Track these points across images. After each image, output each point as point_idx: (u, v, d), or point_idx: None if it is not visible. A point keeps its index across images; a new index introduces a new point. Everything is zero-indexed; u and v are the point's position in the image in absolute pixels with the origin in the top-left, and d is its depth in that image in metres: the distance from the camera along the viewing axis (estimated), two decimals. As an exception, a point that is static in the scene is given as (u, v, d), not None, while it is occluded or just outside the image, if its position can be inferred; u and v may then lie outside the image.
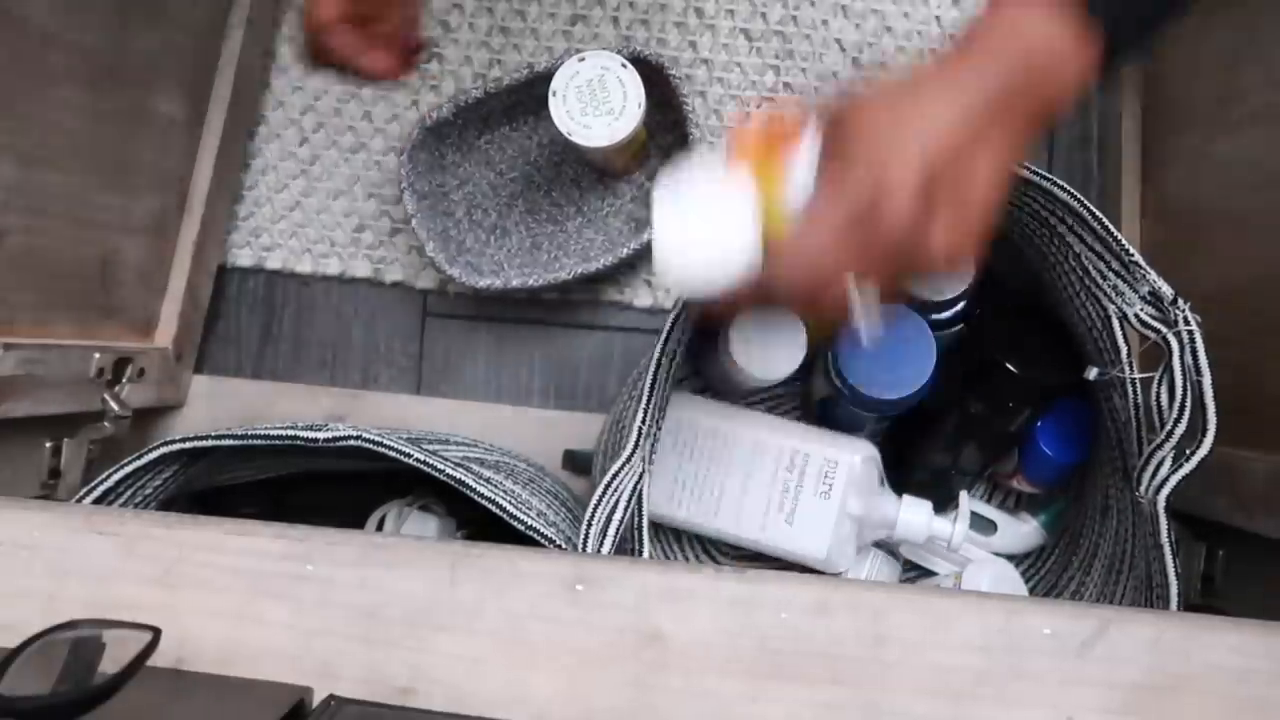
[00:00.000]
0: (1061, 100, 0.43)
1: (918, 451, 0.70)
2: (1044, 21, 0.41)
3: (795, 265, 0.43)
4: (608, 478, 0.49)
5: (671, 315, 0.54)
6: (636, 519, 0.51)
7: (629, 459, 0.51)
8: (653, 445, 0.56)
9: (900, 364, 0.62)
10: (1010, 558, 0.71)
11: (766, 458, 0.66)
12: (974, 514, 0.71)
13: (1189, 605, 0.59)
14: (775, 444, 0.67)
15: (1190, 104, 0.69)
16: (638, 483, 0.50)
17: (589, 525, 0.47)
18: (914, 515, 0.65)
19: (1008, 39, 0.42)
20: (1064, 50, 0.41)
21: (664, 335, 0.54)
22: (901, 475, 0.69)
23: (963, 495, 0.66)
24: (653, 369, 0.53)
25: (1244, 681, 0.33)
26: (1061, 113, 0.43)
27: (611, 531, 0.47)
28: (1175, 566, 0.50)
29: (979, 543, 0.70)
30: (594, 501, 0.48)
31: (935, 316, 0.66)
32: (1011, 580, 0.68)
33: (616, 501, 0.48)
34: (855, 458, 0.66)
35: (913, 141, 0.40)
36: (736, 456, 0.67)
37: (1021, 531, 0.71)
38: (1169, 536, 0.50)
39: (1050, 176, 0.52)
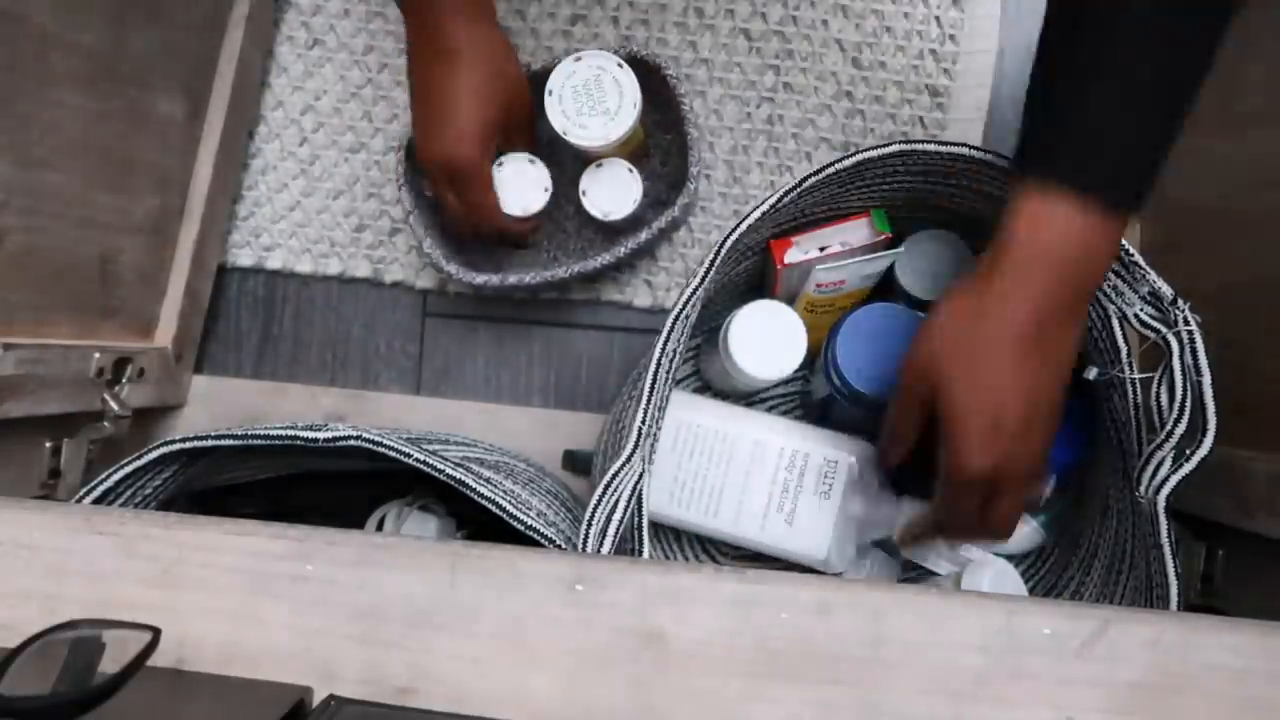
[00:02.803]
0: (1093, 280, 0.48)
1: (917, 451, 0.70)
2: (1070, 222, 0.46)
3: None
4: (607, 478, 0.49)
5: (671, 316, 0.54)
6: (636, 519, 0.51)
7: (629, 459, 0.51)
8: (652, 445, 0.56)
9: (895, 359, 0.62)
10: (1010, 558, 0.71)
11: (766, 458, 0.66)
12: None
13: (1189, 605, 0.59)
14: (775, 444, 0.67)
15: (1190, 104, 0.69)
16: (637, 482, 0.50)
17: (589, 525, 0.47)
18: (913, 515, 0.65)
19: (1034, 250, 0.47)
20: (1096, 244, 0.46)
21: (664, 336, 0.54)
22: (901, 475, 0.69)
23: None
24: (652, 369, 0.53)
25: (1242, 682, 0.33)
26: (1094, 288, 0.49)
27: (611, 531, 0.47)
28: (1175, 566, 0.50)
29: (981, 543, 0.70)
30: (594, 502, 0.48)
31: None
32: (1012, 579, 0.68)
33: (616, 501, 0.48)
34: (854, 458, 0.66)
35: (979, 398, 0.49)
36: (736, 456, 0.67)
37: (1021, 531, 0.71)
38: (1169, 536, 0.50)
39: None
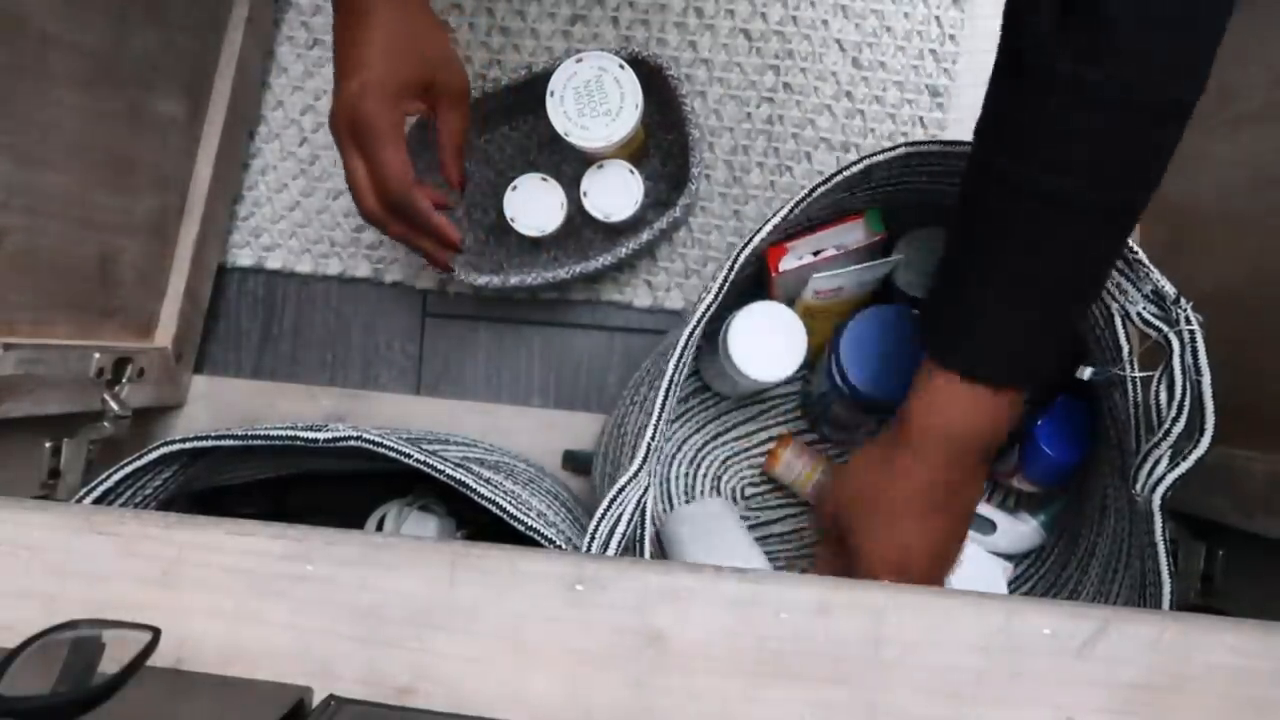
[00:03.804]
0: (991, 443, 0.52)
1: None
2: (960, 402, 0.50)
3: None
4: (614, 491, 0.49)
5: (685, 332, 0.54)
6: (639, 532, 0.51)
7: (635, 474, 0.50)
8: (658, 456, 0.56)
9: (900, 363, 0.62)
10: (1010, 557, 0.71)
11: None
12: (974, 513, 0.71)
13: (1189, 605, 0.59)
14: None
15: (1190, 104, 0.69)
16: (641, 497, 0.50)
17: (591, 540, 0.47)
18: None
19: (932, 422, 0.51)
20: (983, 420, 0.50)
21: (677, 353, 0.54)
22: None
23: None
24: (665, 385, 0.53)
25: (1243, 681, 0.33)
26: (994, 448, 0.52)
27: (614, 545, 0.47)
28: (1168, 564, 0.50)
29: (981, 543, 0.70)
30: (598, 515, 0.48)
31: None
32: (988, 565, 0.68)
33: (620, 515, 0.48)
34: None
35: (889, 551, 0.54)
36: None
37: (1021, 531, 0.71)
38: (1163, 534, 0.50)
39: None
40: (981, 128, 0.48)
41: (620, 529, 0.48)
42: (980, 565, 0.67)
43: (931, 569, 0.55)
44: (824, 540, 0.61)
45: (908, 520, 0.53)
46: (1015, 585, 0.72)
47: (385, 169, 0.59)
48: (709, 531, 0.70)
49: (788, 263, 0.65)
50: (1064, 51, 0.42)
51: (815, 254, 0.65)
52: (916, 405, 0.51)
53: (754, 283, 0.71)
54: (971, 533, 0.71)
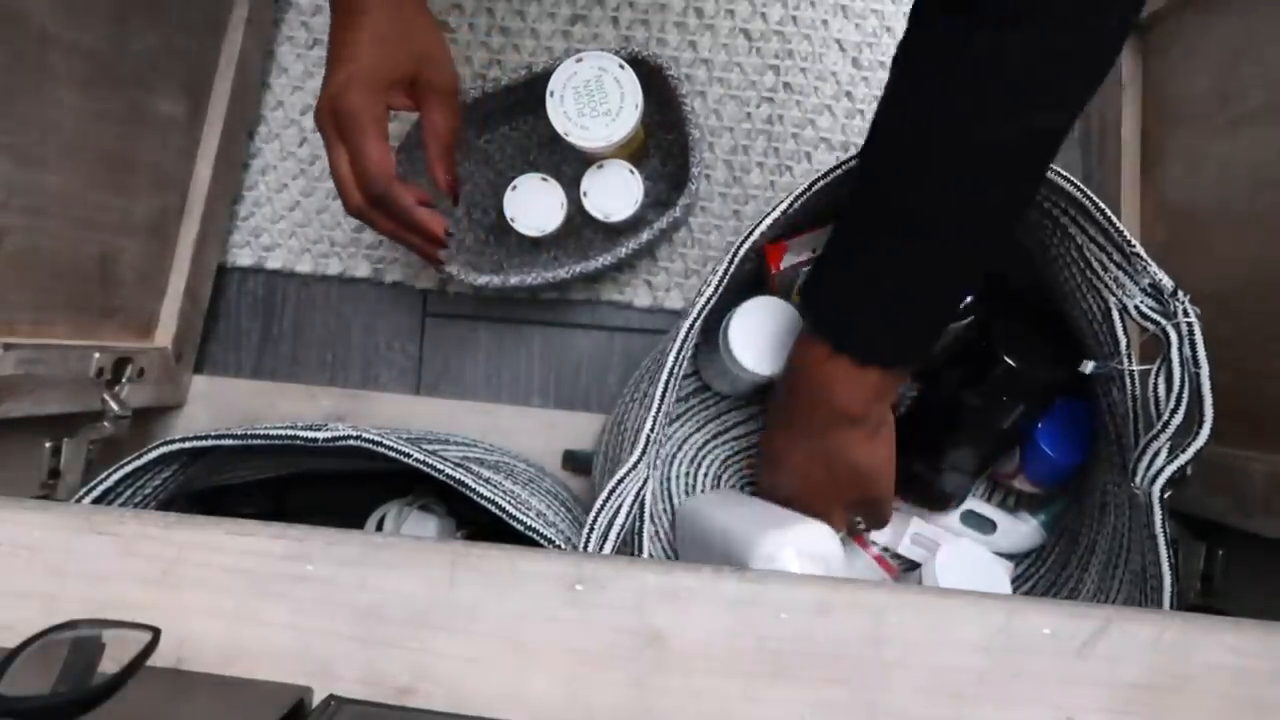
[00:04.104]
0: (853, 407, 0.55)
1: (914, 448, 0.71)
2: (821, 369, 0.54)
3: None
4: (612, 483, 0.49)
5: (684, 328, 0.54)
6: (637, 525, 0.51)
7: (634, 466, 0.51)
8: (657, 452, 0.56)
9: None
10: (1010, 557, 0.71)
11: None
12: (974, 513, 0.71)
13: (1189, 605, 0.59)
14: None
15: (1189, 104, 0.69)
16: (640, 489, 0.50)
17: (590, 530, 0.47)
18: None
19: (798, 379, 0.57)
20: (833, 379, 0.54)
21: (676, 347, 0.54)
22: (899, 473, 0.69)
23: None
24: (664, 378, 0.53)
25: (1243, 681, 0.33)
26: (859, 413, 0.55)
27: (613, 537, 0.47)
28: (1168, 557, 0.50)
29: (981, 542, 0.70)
30: (597, 506, 0.48)
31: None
32: (974, 558, 0.68)
33: (619, 507, 0.48)
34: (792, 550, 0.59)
35: (785, 483, 0.62)
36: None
37: (1021, 531, 0.71)
38: (1163, 527, 0.50)
39: (1054, 168, 0.52)
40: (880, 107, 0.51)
41: (619, 521, 0.48)
42: (984, 565, 0.67)
43: (802, 494, 0.60)
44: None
45: (780, 450, 0.61)
46: (1015, 585, 0.72)
47: (366, 161, 0.58)
48: (725, 500, 0.70)
49: (787, 260, 0.65)
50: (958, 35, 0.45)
51: (814, 251, 0.65)
52: (789, 356, 0.58)
53: (754, 280, 0.71)
54: (972, 532, 0.71)
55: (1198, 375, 0.48)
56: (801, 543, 0.55)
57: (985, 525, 0.71)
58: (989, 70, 0.44)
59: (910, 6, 0.48)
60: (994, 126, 0.45)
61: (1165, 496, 0.49)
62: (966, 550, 0.67)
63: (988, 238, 0.49)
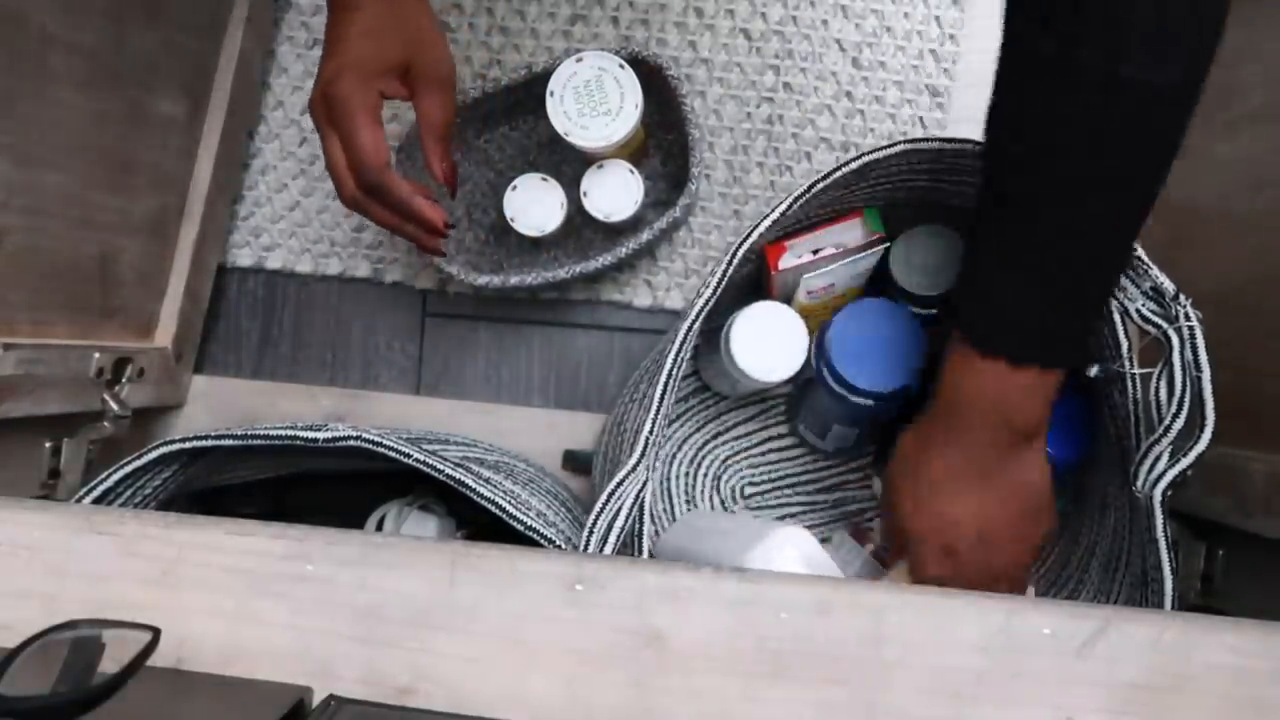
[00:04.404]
0: (1021, 420, 0.51)
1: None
2: (987, 377, 0.49)
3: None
4: (611, 485, 0.49)
5: (683, 328, 0.54)
6: (637, 527, 0.51)
7: (634, 468, 0.50)
8: (656, 453, 0.56)
9: (890, 355, 0.62)
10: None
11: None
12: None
13: (1189, 605, 0.59)
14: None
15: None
16: (640, 491, 0.50)
17: (590, 534, 0.47)
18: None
19: (958, 397, 0.51)
20: (1017, 394, 0.49)
21: (675, 348, 0.54)
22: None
23: None
24: (663, 379, 0.53)
25: (1243, 681, 0.33)
26: (1030, 427, 0.51)
27: (612, 539, 0.47)
28: (1170, 560, 0.50)
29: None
30: (596, 509, 0.48)
31: (924, 311, 0.66)
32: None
33: (619, 510, 0.48)
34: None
35: (928, 522, 0.54)
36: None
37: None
38: (1164, 530, 0.50)
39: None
40: (989, 113, 0.48)
41: (619, 523, 0.48)
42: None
43: (984, 543, 0.53)
44: (893, 552, 0.60)
45: (945, 494, 0.53)
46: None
47: (359, 149, 0.57)
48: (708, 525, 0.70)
49: (787, 261, 0.65)
50: (1049, 34, 0.42)
51: (814, 252, 0.65)
52: (947, 381, 0.51)
53: (753, 282, 0.71)
54: None
55: (1199, 379, 0.48)
56: (798, 541, 0.55)
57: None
58: (1121, 13, 0.41)
59: None
60: (1129, 70, 0.42)
61: (1166, 499, 0.49)
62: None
63: (1137, 201, 0.46)
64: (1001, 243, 0.49)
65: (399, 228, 0.62)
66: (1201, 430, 0.48)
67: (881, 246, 0.65)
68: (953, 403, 0.51)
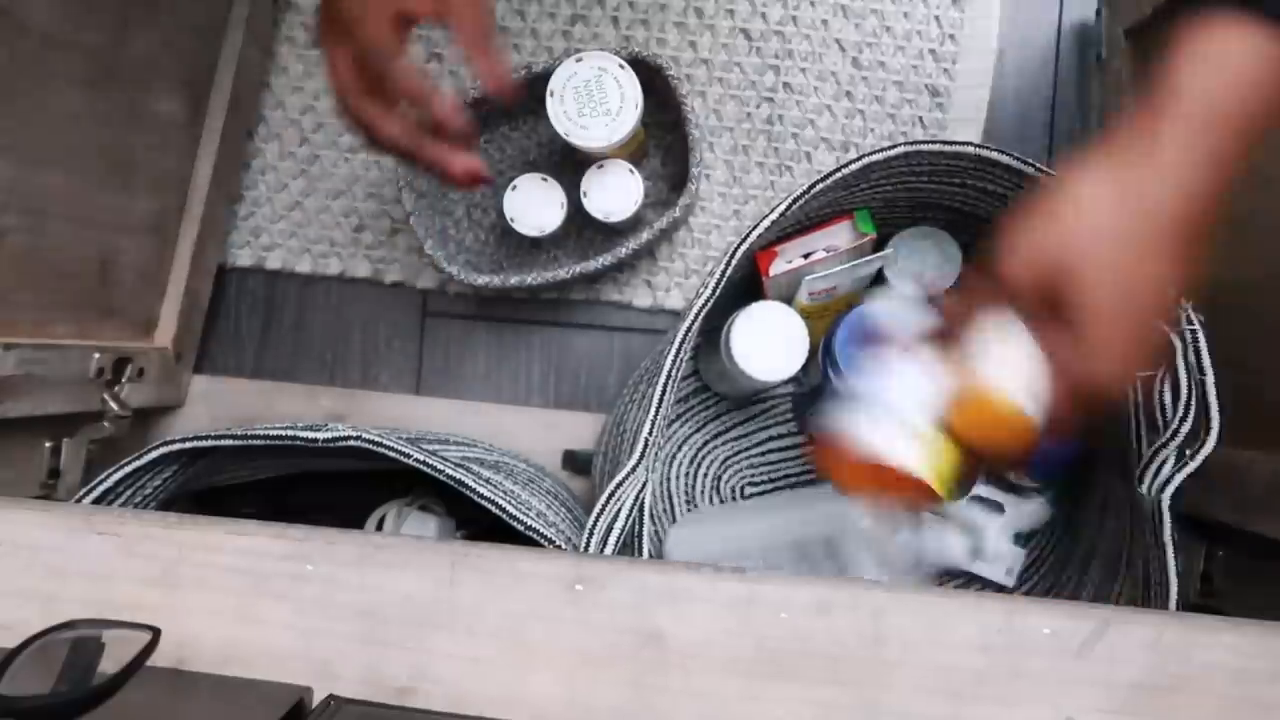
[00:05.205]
0: (1253, 108, 0.37)
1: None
2: (1258, 58, 0.36)
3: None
4: (611, 486, 0.49)
5: (682, 329, 0.54)
6: (637, 528, 0.51)
7: (634, 469, 0.50)
8: (656, 454, 0.56)
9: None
10: (1017, 537, 0.71)
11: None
12: (982, 498, 0.71)
13: (1188, 605, 0.59)
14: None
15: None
16: (640, 492, 0.50)
17: (590, 535, 0.47)
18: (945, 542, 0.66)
19: (1222, 101, 0.37)
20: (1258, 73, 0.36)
21: (674, 349, 0.54)
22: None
23: None
24: (662, 381, 0.53)
25: (1242, 681, 0.33)
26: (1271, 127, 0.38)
27: (612, 541, 0.47)
28: (1176, 566, 0.50)
29: (993, 524, 0.70)
30: (596, 510, 0.48)
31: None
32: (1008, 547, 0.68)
33: (618, 511, 0.48)
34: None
35: (1130, 347, 0.39)
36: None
37: (1028, 508, 0.71)
38: (1171, 536, 0.50)
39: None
40: None
41: (619, 524, 0.48)
42: (1002, 543, 0.67)
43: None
44: (1010, 302, 0.42)
45: (1168, 249, 0.38)
46: (1016, 585, 0.72)
47: (365, 38, 0.48)
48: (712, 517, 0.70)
49: (778, 266, 0.65)
50: None
51: (805, 256, 0.65)
52: (1181, 81, 0.37)
53: (750, 285, 0.72)
54: (983, 515, 0.71)
55: (1203, 383, 0.48)
56: None
57: (994, 508, 0.71)
58: None
59: None
60: None
61: (1172, 504, 0.49)
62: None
63: None
64: None
65: (417, 148, 0.52)
66: (1206, 434, 0.48)
67: (881, 254, 0.65)
68: (1190, 115, 0.37)
